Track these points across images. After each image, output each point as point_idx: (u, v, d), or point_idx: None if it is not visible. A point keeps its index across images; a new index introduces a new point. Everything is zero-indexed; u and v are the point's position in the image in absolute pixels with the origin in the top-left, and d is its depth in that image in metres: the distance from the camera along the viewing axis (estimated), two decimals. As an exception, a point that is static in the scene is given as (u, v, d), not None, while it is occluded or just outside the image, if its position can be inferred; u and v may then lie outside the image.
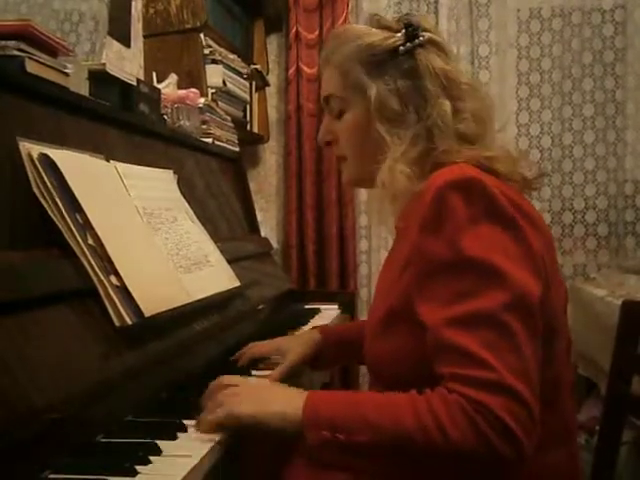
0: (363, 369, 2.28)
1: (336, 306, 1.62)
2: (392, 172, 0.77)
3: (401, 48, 0.80)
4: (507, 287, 0.66)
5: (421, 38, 0.80)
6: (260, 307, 1.39)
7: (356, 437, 0.65)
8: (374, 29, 0.83)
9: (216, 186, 1.53)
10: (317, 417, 0.67)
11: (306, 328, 1.32)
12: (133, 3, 1.75)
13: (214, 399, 0.73)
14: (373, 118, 0.80)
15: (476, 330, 0.65)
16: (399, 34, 0.81)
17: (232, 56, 1.94)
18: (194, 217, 1.18)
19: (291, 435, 0.69)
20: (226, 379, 0.78)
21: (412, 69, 0.80)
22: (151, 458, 0.64)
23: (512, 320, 0.65)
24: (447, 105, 0.78)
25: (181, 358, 0.94)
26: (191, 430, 0.71)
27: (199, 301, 1.00)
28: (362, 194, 2.33)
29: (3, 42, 0.85)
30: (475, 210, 0.68)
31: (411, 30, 0.81)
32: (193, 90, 1.56)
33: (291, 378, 0.95)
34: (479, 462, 0.63)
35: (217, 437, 0.69)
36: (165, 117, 1.38)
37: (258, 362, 1.03)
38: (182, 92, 1.52)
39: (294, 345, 1.01)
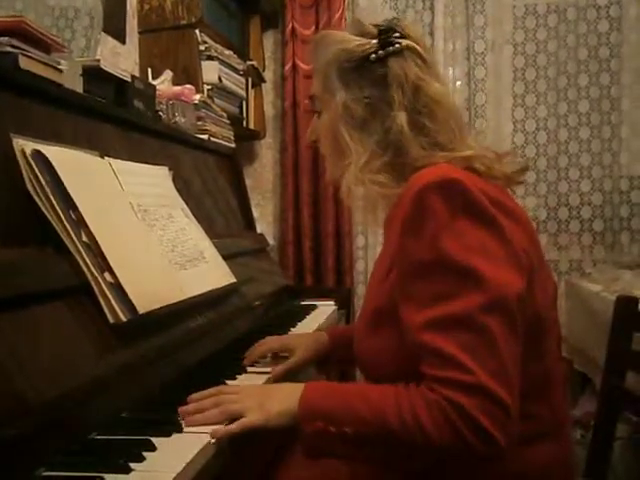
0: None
1: (332, 302, 1.62)
2: (362, 183, 0.79)
3: (372, 56, 0.80)
4: (485, 289, 0.66)
5: (397, 45, 0.80)
6: (256, 303, 1.39)
7: (344, 429, 0.68)
8: (353, 35, 0.83)
9: (212, 182, 1.53)
10: (312, 409, 0.70)
11: (302, 324, 1.33)
12: (128, -1, 1.74)
13: (211, 398, 0.75)
14: (339, 123, 0.82)
15: (453, 332, 0.66)
16: (374, 41, 0.81)
17: (228, 52, 1.94)
18: (189, 214, 1.18)
19: (289, 428, 0.71)
20: (224, 388, 0.80)
21: (382, 77, 0.80)
22: (145, 455, 0.64)
23: (490, 322, 0.66)
24: (402, 117, 0.77)
25: (176, 355, 0.94)
26: (185, 427, 0.71)
27: (194, 298, 1.00)
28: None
29: (-4, 38, 0.85)
30: (454, 210, 0.69)
31: (384, 37, 0.80)
32: (188, 86, 1.55)
33: (293, 376, 0.96)
34: (455, 458, 0.66)
35: (210, 432, 0.70)
36: (160, 113, 1.38)
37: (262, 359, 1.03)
38: (177, 88, 1.52)
39: (302, 345, 1.02)
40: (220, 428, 0.70)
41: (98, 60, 1.12)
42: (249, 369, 0.98)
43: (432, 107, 0.79)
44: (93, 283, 0.79)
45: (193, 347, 1.00)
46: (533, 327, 0.72)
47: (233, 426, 0.71)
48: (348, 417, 0.68)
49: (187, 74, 1.73)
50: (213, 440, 0.69)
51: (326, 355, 1.03)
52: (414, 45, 0.81)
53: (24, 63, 0.87)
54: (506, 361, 0.66)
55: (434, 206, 0.69)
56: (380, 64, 0.80)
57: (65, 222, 0.80)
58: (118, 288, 0.81)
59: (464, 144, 0.79)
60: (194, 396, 0.77)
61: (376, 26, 0.83)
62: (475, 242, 0.68)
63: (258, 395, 0.75)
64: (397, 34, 0.80)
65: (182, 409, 0.74)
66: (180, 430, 0.71)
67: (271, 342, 1.04)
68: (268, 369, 0.97)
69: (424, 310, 0.68)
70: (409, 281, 0.71)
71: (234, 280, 1.20)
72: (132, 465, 0.61)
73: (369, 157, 0.79)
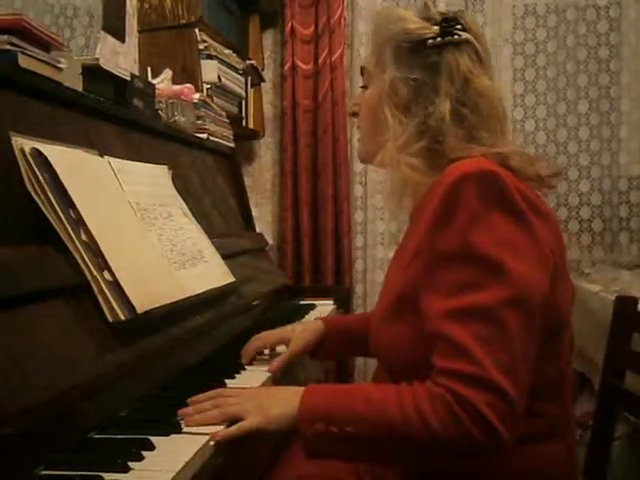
0: (359, 365, 2.29)
1: (331, 302, 1.62)
2: (397, 163, 0.79)
3: (430, 41, 0.80)
4: (510, 284, 0.67)
5: (456, 37, 0.80)
6: (255, 303, 1.39)
7: (346, 429, 0.68)
8: (416, 17, 0.83)
9: (211, 182, 1.53)
10: (312, 411, 0.70)
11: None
12: (127, -2, 1.74)
13: (212, 400, 0.75)
14: (383, 99, 0.82)
15: (471, 324, 0.66)
16: (435, 27, 0.81)
17: (227, 51, 1.94)
18: (189, 213, 1.18)
19: (289, 430, 0.71)
20: (224, 391, 0.80)
21: (434, 64, 0.80)
22: (144, 454, 0.64)
23: (510, 317, 0.66)
24: (446, 106, 0.78)
25: (175, 354, 0.94)
26: (184, 426, 0.71)
27: (193, 297, 1.00)
28: (357, 190, 2.33)
29: (-5, 36, 0.85)
30: (488, 203, 0.69)
31: (446, 27, 0.81)
32: (188, 85, 1.55)
33: (290, 373, 0.96)
34: (458, 452, 0.66)
35: (209, 432, 0.70)
36: (160, 112, 1.38)
37: (260, 354, 1.04)
38: (177, 87, 1.51)
39: (297, 334, 1.02)
40: (219, 430, 0.70)
41: (98, 59, 1.12)
42: (248, 368, 0.98)
43: (477, 101, 0.79)
44: (92, 282, 0.79)
45: (192, 346, 1.00)
46: (552, 327, 0.72)
47: (232, 428, 0.71)
48: (349, 416, 0.68)
49: (187, 73, 1.73)
50: (212, 442, 0.68)
51: (321, 342, 1.03)
52: (473, 40, 0.81)
53: (23, 61, 0.87)
54: (519, 358, 0.66)
55: (468, 197, 0.69)
56: (436, 51, 0.80)
57: (64, 221, 0.80)
58: (117, 287, 0.81)
59: (503, 143, 0.80)
60: (194, 398, 0.77)
61: (441, 14, 0.83)
62: (505, 237, 0.68)
63: (258, 398, 0.75)
64: (459, 26, 0.81)
65: (182, 410, 0.74)
66: (179, 430, 0.71)
67: (266, 336, 1.04)
68: (266, 368, 0.96)
69: (446, 299, 0.68)
70: (435, 269, 0.71)
71: (233, 279, 1.20)
72: (131, 464, 0.61)
73: (407, 139, 0.79)
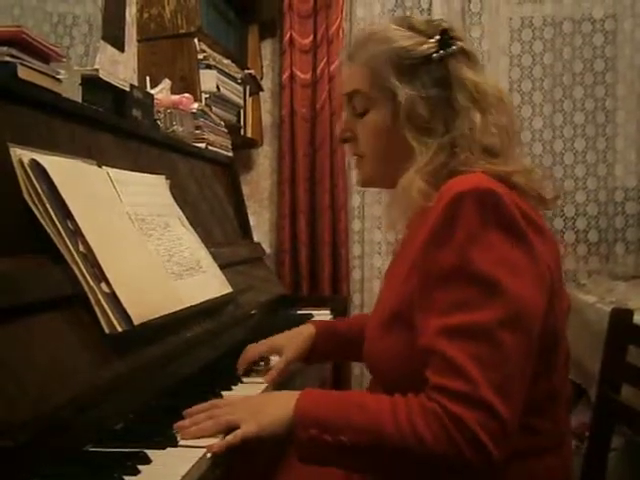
0: (355, 370, 2.28)
1: (329, 311, 1.62)
2: (411, 184, 0.77)
3: (434, 55, 0.78)
4: (507, 303, 0.66)
5: (454, 47, 0.79)
6: (252, 312, 1.39)
7: (340, 437, 0.67)
8: (407, 32, 0.81)
9: (209, 191, 1.53)
10: (308, 415, 0.69)
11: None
12: (127, 7, 1.75)
13: (206, 411, 0.74)
14: (401, 123, 0.79)
15: (467, 342, 0.66)
16: (432, 40, 0.79)
17: (226, 61, 1.95)
18: (186, 223, 1.18)
19: (284, 437, 0.71)
20: (218, 401, 0.79)
21: (443, 78, 0.78)
22: (140, 468, 0.63)
23: (506, 337, 0.66)
24: (478, 117, 0.76)
25: (172, 365, 0.94)
26: (180, 440, 0.71)
27: (191, 307, 1.00)
28: (355, 199, 2.33)
29: (-5, 48, 0.85)
30: (486, 221, 0.68)
31: (446, 38, 0.79)
32: (187, 95, 1.56)
33: (288, 380, 0.96)
34: (449, 468, 0.65)
35: (205, 444, 0.69)
36: (158, 122, 1.38)
37: (253, 367, 1.04)
38: (176, 97, 1.52)
39: (289, 341, 1.02)
40: (216, 442, 0.69)
41: (97, 69, 1.12)
42: (245, 380, 0.98)
43: (494, 109, 0.78)
44: (89, 293, 0.79)
45: (189, 357, 1.00)
46: (548, 343, 0.72)
47: (229, 438, 0.70)
48: (344, 425, 0.67)
49: (185, 83, 1.74)
50: (209, 454, 0.68)
51: (313, 346, 1.03)
52: (468, 48, 0.81)
53: (23, 73, 0.87)
54: (514, 378, 0.66)
55: (466, 215, 0.68)
56: (439, 64, 0.79)
57: (62, 232, 0.80)
58: (114, 298, 0.81)
59: (515, 154, 0.79)
60: (189, 411, 0.76)
61: (428, 24, 0.82)
62: (503, 256, 0.68)
63: (252, 405, 0.75)
64: (454, 35, 0.80)
65: (178, 424, 0.74)
66: (175, 444, 0.70)
67: (258, 347, 1.03)
68: (262, 379, 0.96)
69: (442, 317, 0.68)
70: (432, 287, 0.70)
71: (230, 290, 1.20)
72: (126, 478, 0.61)
73: (430, 158, 0.77)
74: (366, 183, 0.89)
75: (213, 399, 0.85)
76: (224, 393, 0.90)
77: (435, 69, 0.79)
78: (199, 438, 0.71)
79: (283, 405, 0.71)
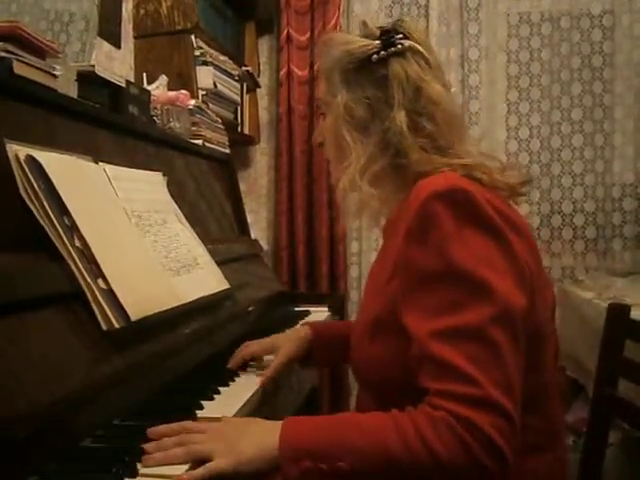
0: (352, 377, 2.28)
1: (326, 308, 1.62)
2: (359, 188, 0.79)
3: (374, 56, 0.79)
4: (493, 300, 0.66)
5: (399, 46, 0.79)
6: (250, 309, 1.39)
7: (339, 464, 0.62)
8: (356, 37, 0.83)
9: (206, 188, 1.53)
10: (296, 447, 0.64)
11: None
12: (124, 4, 1.74)
13: (175, 434, 0.67)
14: (340, 124, 0.81)
15: (462, 344, 0.65)
16: (376, 42, 0.80)
17: (223, 58, 1.94)
18: (183, 219, 1.18)
19: (267, 472, 0.65)
20: (188, 425, 0.71)
21: (383, 77, 0.79)
22: (137, 464, 0.63)
23: (498, 334, 0.65)
24: (402, 117, 0.77)
25: (169, 361, 0.93)
26: (142, 468, 0.63)
27: (188, 304, 1.00)
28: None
29: (-10, 43, 0.85)
30: (461, 220, 0.68)
31: (386, 38, 0.80)
32: (183, 92, 1.55)
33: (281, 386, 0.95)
34: (463, 477, 0.63)
35: (171, 474, 0.62)
36: (155, 119, 1.38)
37: (249, 363, 1.03)
38: (172, 94, 1.52)
39: (285, 342, 1.01)
40: (183, 473, 0.62)
41: (93, 65, 1.12)
42: (239, 377, 0.97)
43: (431, 109, 0.78)
44: (86, 289, 0.79)
45: (186, 353, 1.00)
46: (532, 340, 0.71)
47: (199, 471, 0.62)
48: (341, 450, 0.63)
49: (182, 79, 1.74)
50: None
51: (310, 350, 1.02)
52: (417, 46, 0.80)
53: (18, 69, 0.87)
54: (512, 373, 0.65)
55: (440, 215, 0.68)
56: (382, 65, 0.79)
57: (58, 228, 0.80)
58: (111, 295, 0.80)
59: (463, 149, 0.79)
60: (154, 430, 0.68)
61: (379, 27, 0.83)
62: (482, 252, 0.67)
63: (228, 434, 0.67)
64: (400, 35, 0.80)
65: (145, 446, 0.65)
66: (134, 475, 0.61)
67: (253, 346, 1.03)
68: (257, 378, 0.95)
69: (432, 319, 0.66)
70: (416, 290, 0.69)
71: (228, 286, 1.20)
72: (124, 474, 0.61)
73: (368, 158, 0.78)
74: (336, 186, 0.90)
75: (210, 396, 0.84)
76: (221, 389, 0.89)
77: (376, 70, 0.80)
78: (163, 466, 0.63)
79: (264, 437, 0.65)
